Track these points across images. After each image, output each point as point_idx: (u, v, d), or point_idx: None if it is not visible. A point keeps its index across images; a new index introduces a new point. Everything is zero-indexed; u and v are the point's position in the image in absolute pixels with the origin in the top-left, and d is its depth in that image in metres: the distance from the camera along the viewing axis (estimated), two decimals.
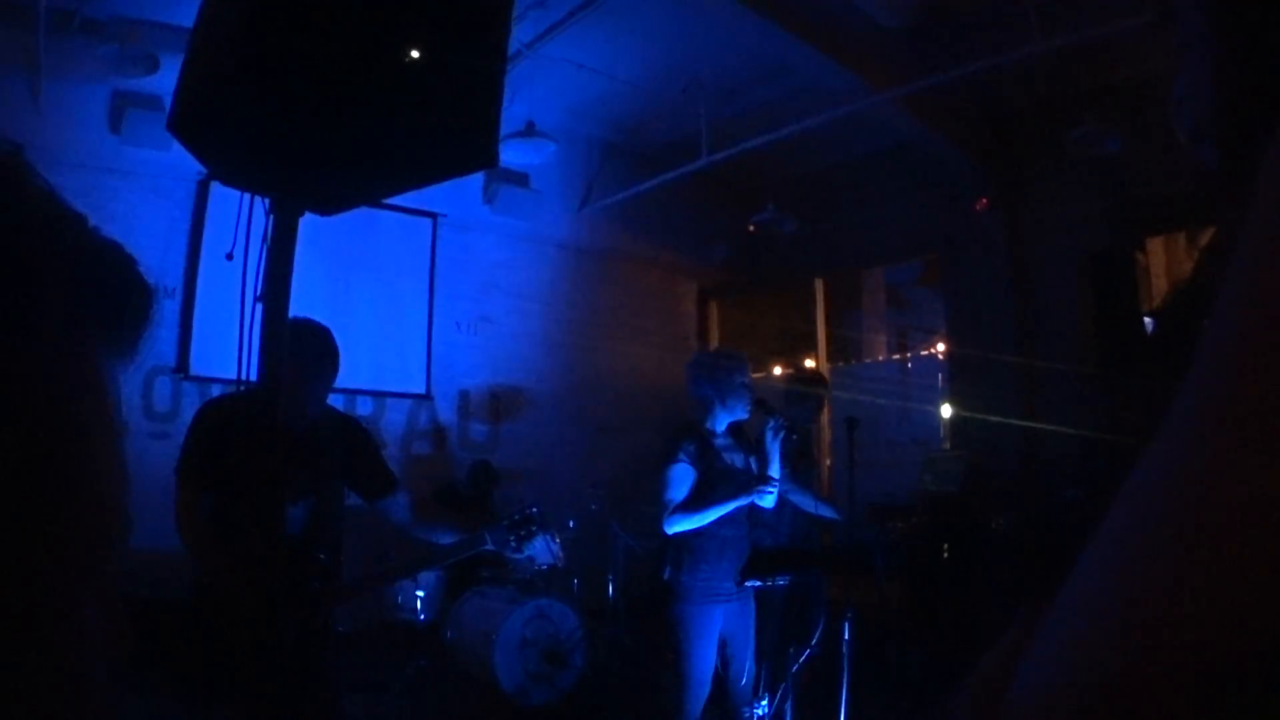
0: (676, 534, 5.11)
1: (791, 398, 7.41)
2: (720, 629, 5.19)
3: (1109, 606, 0.52)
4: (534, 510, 4.69)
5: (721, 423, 5.34)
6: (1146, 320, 8.76)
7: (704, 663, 5.11)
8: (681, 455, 5.16)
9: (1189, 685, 0.47)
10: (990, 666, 0.68)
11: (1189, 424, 0.52)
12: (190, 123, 2.07)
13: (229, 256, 2.24)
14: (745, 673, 5.29)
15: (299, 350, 3.80)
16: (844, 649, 5.20)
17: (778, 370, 13.48)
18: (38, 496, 0.56)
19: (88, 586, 0.60)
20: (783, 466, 5.50)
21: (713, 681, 5.22)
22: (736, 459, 5.34)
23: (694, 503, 5.08)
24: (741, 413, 5.34)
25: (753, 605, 5.33)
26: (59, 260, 0.59)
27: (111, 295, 0.64)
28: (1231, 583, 0.46)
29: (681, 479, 5.12)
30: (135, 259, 0.67)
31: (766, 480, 5.15)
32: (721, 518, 5.08)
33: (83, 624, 0.60)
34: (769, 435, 5.26)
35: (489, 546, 4.56)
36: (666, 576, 5.19)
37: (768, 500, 5.20)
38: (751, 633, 5.31)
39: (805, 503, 7.07)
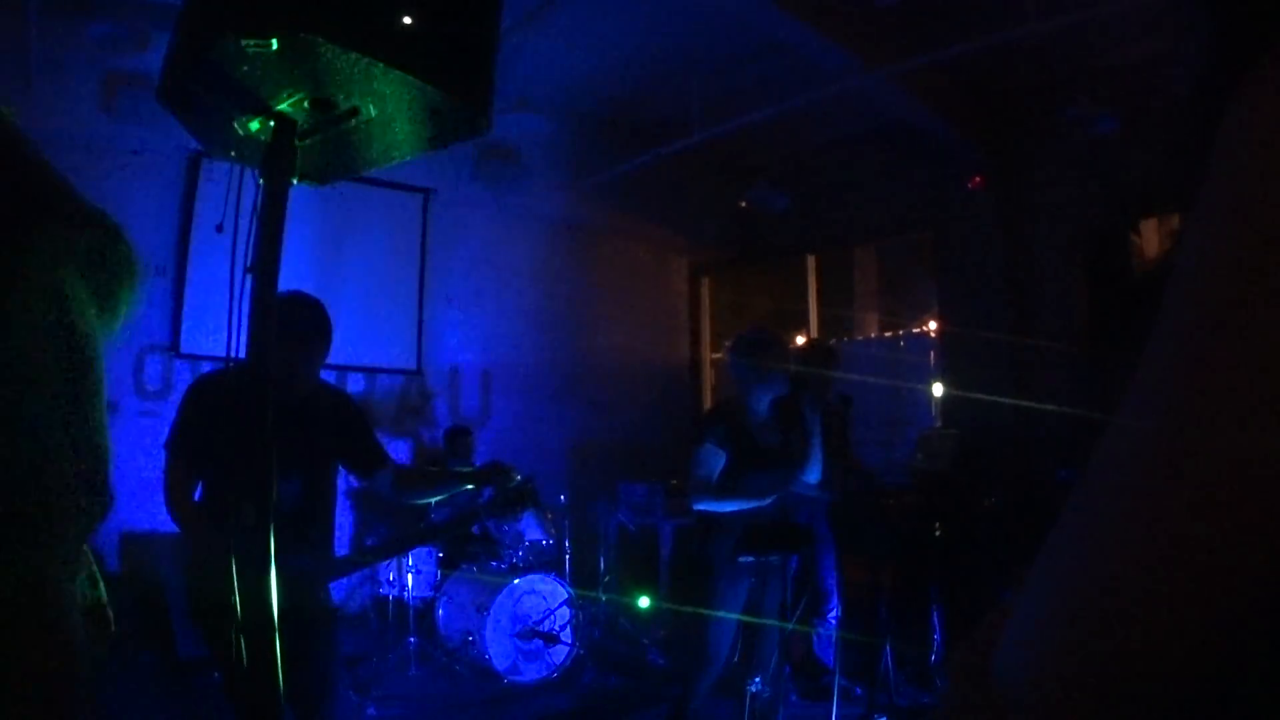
0: (702, 510, 5.27)
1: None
2: (745, 603, 5.29)
3: (1082, 566, 0.53)
4: (520, 478, 4.70)
5: (760, 401, 5.38)
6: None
7: (724, 637, 5.21)
8: (708, 437, 5.27)
9: (1159, 646, 0.48)
10: (980, 634, 0.69)
11: (1151, 389, 0.53)
12: (179, 91, 2.06)
13: (219, 228, 2.23)
14: (768, 646, 5.34)
15: (291, 323, 3.80)
16: (837, 626, 5.23)
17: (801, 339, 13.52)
18: (17, 468, 0.55)
19: (70, 562, 0.60)
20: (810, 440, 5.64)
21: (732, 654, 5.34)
22: (775, 437, 5.41)
23: (725, 483, 5.20)
24: (779, 389, 5.37)
25: (777, 580, 5.35)
26: (45, 222, 0.59)
27: (98, 258, 0.63)
28: (1197, 541, 0.47)
29: (708, 460, 5.22)
30: (122, 226, 0.66)
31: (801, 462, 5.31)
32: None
33: (68, 603, 0.59)
34: (806, 412, 5.39)
35: (482, 520, 4.58)
36: (695, 550, 5.38)
37: (813, 477, 5.36)
38: (775, 606, 5.34)
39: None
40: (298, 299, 3.92)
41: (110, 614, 0.71)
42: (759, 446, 5.30)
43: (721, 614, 5.19)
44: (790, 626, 5.33)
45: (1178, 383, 0.50)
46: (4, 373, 0.57)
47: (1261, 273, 0.48)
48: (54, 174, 0.62)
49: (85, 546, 0.64)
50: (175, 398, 5.77)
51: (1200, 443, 0.48)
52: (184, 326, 9.37)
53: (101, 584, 0.70)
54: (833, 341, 11.53)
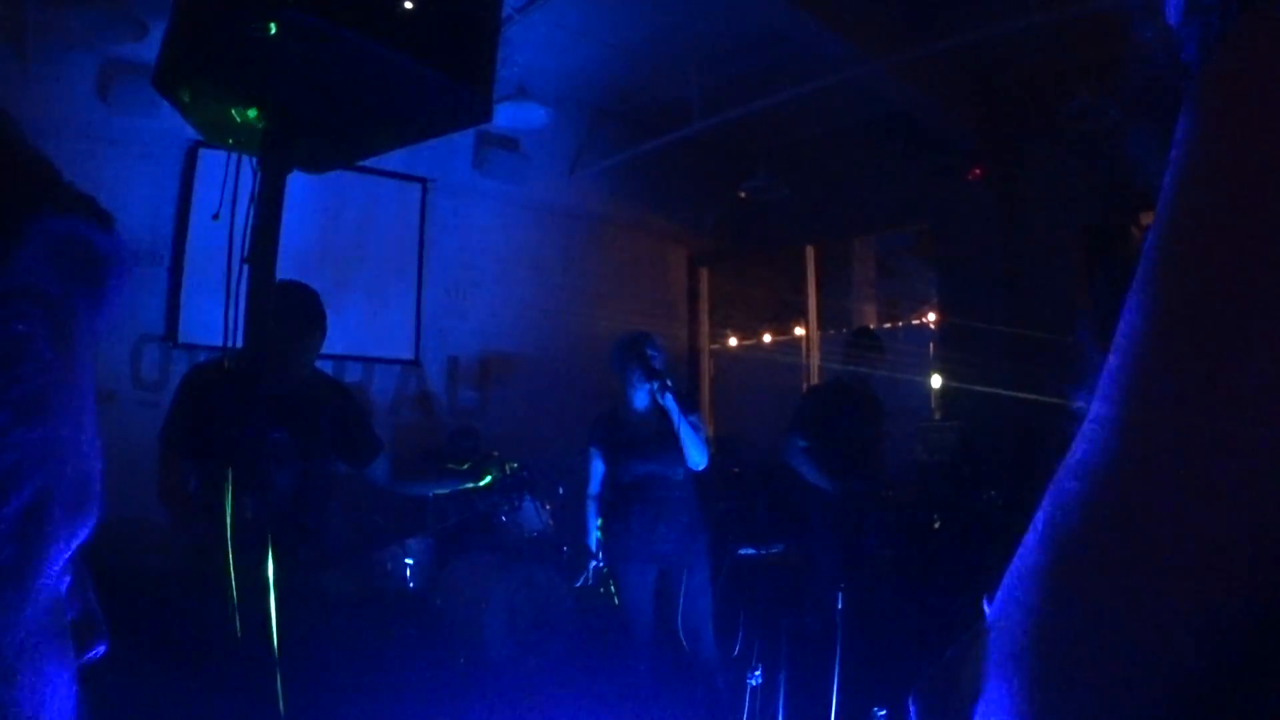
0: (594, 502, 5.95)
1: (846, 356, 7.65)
2: (655, 589, 5.66)
3: (1062, 535, 0.55)
4: (524, 473, 4.72)
5: (637, 399, 5.82)
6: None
7: (635, 614, 5.64)
8: (591, 442, 5.92)
9: (1134, 662, 0.49)
10: (942, 666, 0.70)
11: (1131, 348, 0.55)
12: (175, 79, 2.03)
13: (215, 217, 2.21)
14: (704, 637, 5.44)
15: (285, 312, 3.78)
16: (836, 619, 5.22)
17: (767, 338, 13.51)
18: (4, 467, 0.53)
19: (61, 567, 0.58)
20: (800, 429, 5.84)
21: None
22: (649, 429, 5.74)
23: (605, 486, 5.89)
24: (639, 385, 5.78)
25: (701, 571, 5.66)
26: (28, 209, 0.57)
27: (84, 248, 0.61)
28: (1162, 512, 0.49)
29: (593, 464, 5.92)
30: (109, 214, 0.64)
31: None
32: (637, 483, 5.68)
33: (58, 608, 0.57)
34: (660, 398, 5.70)
35: (480, 510, 4.59)
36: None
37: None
38: (706, 598, 5.51)
39: (805, 470, 7.11)
40: (293, 287, 3.90)
41: (100, 624, 0.69)
42: (632, 440, 5.72)
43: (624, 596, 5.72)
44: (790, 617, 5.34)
45: (1152, 345, 0.51)
46: None
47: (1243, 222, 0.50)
48: (38, 158, 0.60)
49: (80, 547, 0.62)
50: (172, 387, 5.76)
51: (1167, 412, 0.48)
52: (181, 316, 9.34)
53: (91, 592, 0.68)
54: (820, 334, 11.54)
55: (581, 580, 5.47)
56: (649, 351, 5.74)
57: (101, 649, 0.68)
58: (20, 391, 0.55)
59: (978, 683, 0.59)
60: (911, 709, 0.70)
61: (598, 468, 5.80)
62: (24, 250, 0.56)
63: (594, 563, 5.51)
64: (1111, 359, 0.56)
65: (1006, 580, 0.60)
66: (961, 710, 0.62)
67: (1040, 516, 0.58)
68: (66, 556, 0.59)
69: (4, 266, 0.55)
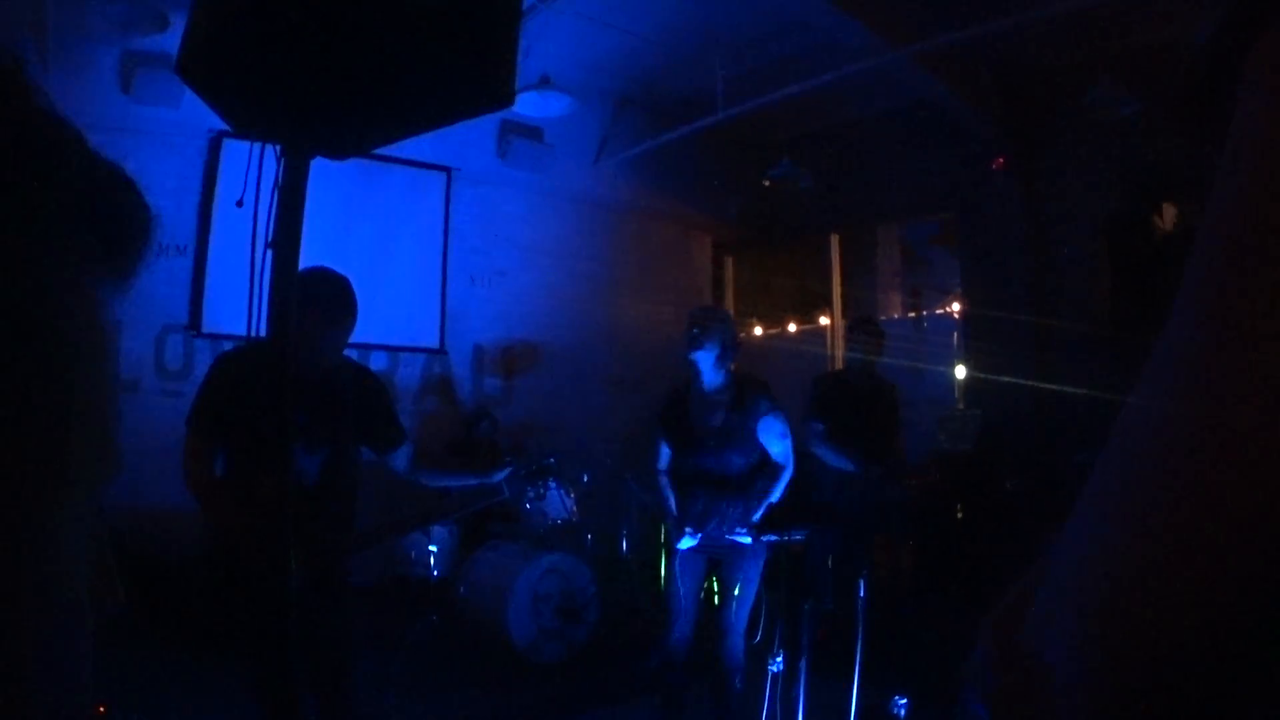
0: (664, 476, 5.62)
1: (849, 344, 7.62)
2: (700, 577, 5.54)
3: (1109, 532, 0.53)
4: (550, 460, 4.73)
5: (707, 378, 5.49)
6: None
7: (676, 603, 5.42)
8: (657, 424, 5.67)
9: (1187, 611, 0.47)
10: (1012, 598, 0.69)
11: (1171, 363, 0.52)
12: (198, 65, 2.04)
13: (239, 203, 2.22)
14: (735, 625, 5.37)
15: (317, 297, 3.79)
16: (858, 607, 5.22)
17: (792, 327, 13.49)
18: (19, 425, 0.54)
19: (73, 523, 0.59)
20: (818, 417, 5.77)
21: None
22: (714, 416, 5.47)
23: (670, 468, 5.60)
24: (714, 361, 5.48)
25: (746, 560, 5.44)
26: (55, 176, 0.58)
27: (109, 216, 0.62)
28: (1226, 509, 0.46)
29: (660, 441, 5.62)
30: (135, 181, 0.65)
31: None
32: (696, 473, 5.45)
33: (68, 565, 0.58)
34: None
35: (505, 496, 4.59)
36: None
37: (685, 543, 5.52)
38: (740, 586, 5.41)
39: (828, 455, 7.10)
40: (325, 274, 3.90)
41: (118, 584, 0.70)
42: (686, 429, 5.55)
43: (670, 583, 5.55)
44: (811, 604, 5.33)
45: (1200, 347, 0.50)
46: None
47: None
48: (61, 125, 0.61)
49: (95, 508, 0.63)
50: (196, 377, 5.78)
51: (1222, 409, 0.47)
52: (205, 306, 9.39)
53: (110, 555, 0.69)
54: (844, 323, 11.55)
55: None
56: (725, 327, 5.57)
57: (117, 608, 0.69)
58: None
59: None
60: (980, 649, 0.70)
61: (665, 450, 5.59)
62: (44, 207, 0.57)
63: (687, 530, 5.38)
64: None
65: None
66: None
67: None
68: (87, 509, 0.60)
69: (28, 222, 0.56)
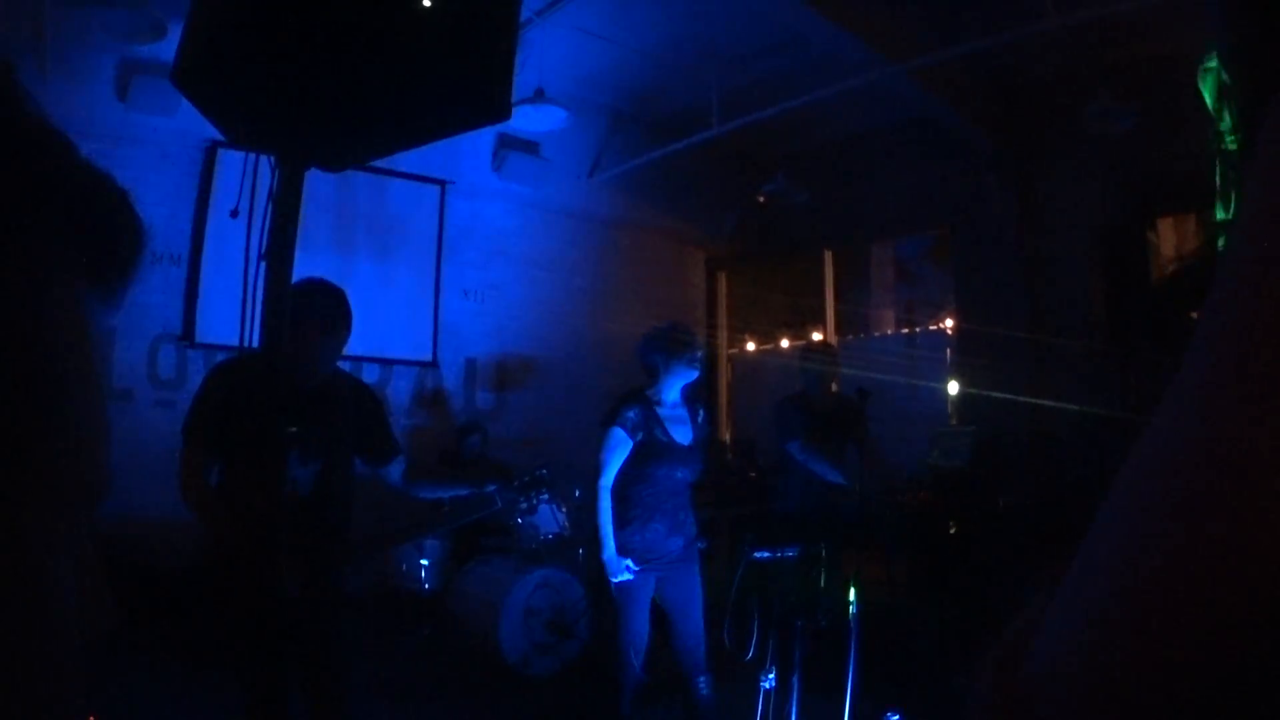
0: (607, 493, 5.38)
1: (803, 368, 7.53)
2: (653, 594, 5.41)
3: (1116, 572, 0.51)
4: (543, 472, 4.73)
5: (669, 389, 5.59)
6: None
7: (633, 624, 5.36)
8: (619, 421, 5.54)
9: (1197, 655, 0.46)
10: (1013, 635, 0.68)
11: (1194, 388, 0.50)
12: (194, 74, 2.04)
13: (234, 214, 2.21)
14: (691, 640, 5.35)
15: (311, 308, 3.79)
16: (851, 623, 5.21)
17: (785, 343, 13.49)
18: (2, 443, 0.53)
19: (61, 545, 0.58)
20: (799, 436, 5.73)
21: (659, 647, 5.41)
22: (680, 430, 5.53)
23: (622, 480, 5.40)
24: (679, 374, 5.59)
25: (696, 572, 5.46)
26: (42, 185, 0.57)
27: (99, 227, 0.62)
28: (1241, 546, 0.44)
29: (616, 445, 5.43)
30: (127, 192, 0.64)
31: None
32: (651, 482, 5.38)
33: (55, 587, 0.57)
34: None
35: (498, 506, 4.60)
36: None
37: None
38: (695, 600, 5.41)
39: (822, 469, 7.09)
40: (320, 285, 3.91)
41: (109, 600, 0.69)
42: (657, 443, 5.52)
43: (624, 603, 5.39)
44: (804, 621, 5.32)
45: (1220, 381, 0.48)
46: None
47: None
48: (51, 134, 0.60)
49: (85, 528, 0.62)
50: (189, 387, 5.77)
51: (1240, 444, 0.46)
52: (199, 316, 9.37)
53: (102, 573, 0.68)
54: (838, 339, 11.54)
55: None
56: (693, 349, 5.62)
57: (111, 627, 0.68)
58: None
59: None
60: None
61: (623, 444, 5.40)
62: (32, 217, 0.56)
63: (626, 563, 5.26)
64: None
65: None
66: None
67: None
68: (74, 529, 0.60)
69: (15, 233, 0.55)
